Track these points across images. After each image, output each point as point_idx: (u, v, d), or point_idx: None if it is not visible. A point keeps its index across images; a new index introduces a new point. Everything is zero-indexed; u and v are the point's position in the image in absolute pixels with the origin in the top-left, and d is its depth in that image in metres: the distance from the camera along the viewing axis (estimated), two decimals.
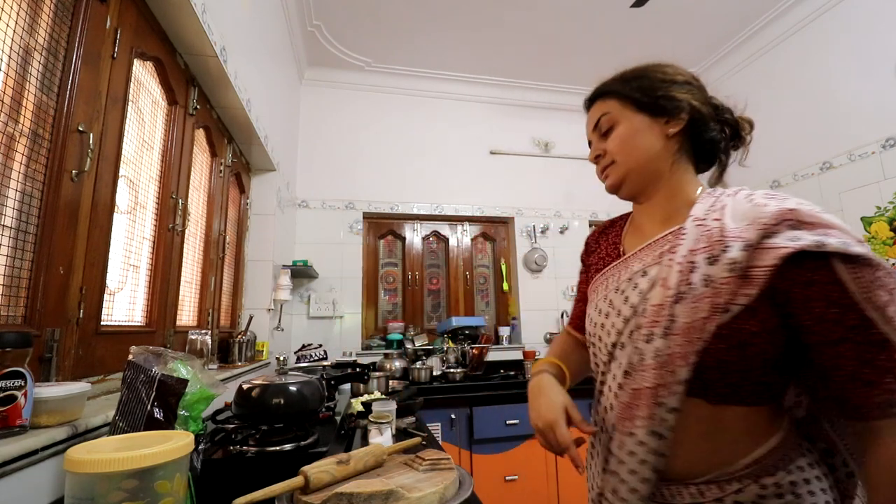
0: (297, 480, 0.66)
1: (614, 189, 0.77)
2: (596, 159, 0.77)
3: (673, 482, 0.61)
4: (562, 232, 3.62)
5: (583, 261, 0.90)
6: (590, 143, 0.79)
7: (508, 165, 3.64)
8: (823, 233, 0.52)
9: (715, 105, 0.74)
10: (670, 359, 0.58)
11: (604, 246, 0.82)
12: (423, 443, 1.08)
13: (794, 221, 0.54)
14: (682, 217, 0.67)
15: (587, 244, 0.89)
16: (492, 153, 3.64)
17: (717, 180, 0.74)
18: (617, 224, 0.85)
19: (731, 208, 0.61)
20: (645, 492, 0.60)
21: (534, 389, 0.75)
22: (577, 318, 0.89)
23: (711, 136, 0.71)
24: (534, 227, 3.55)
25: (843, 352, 0.51)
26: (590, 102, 0.79)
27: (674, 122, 0.69)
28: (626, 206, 0.84)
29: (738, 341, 0.56)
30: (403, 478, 0.71)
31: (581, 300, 0.89)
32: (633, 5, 2.48)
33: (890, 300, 0.49)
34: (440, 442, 1.97)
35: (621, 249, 0.78)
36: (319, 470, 0.68)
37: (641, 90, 0.71)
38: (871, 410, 0.51)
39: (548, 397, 0.70)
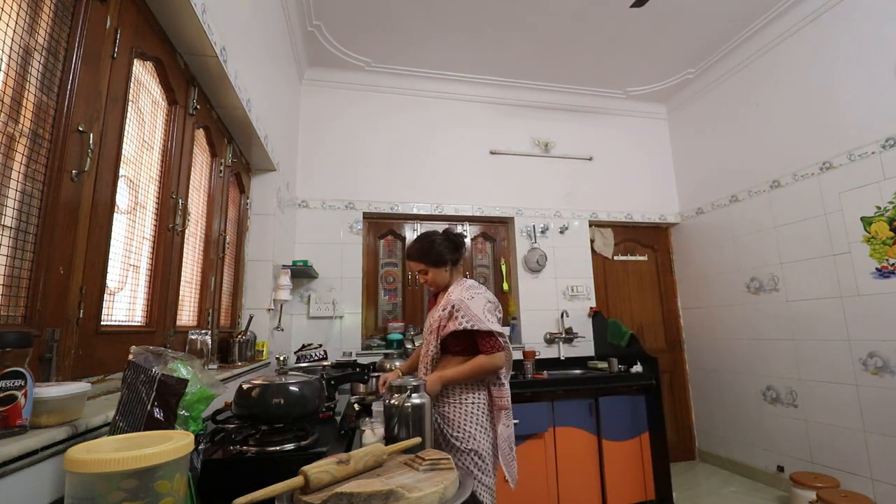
0: (297, 480, 0.66)
1: (433, 291, 1.84)
2: (424, 282, 1.77)
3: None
4: (562, 232, 3.62)
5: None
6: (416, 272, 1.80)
7: (508, 165, 3.64)
8: (465, 313, 1.59)
9: (455, 243, 1.75)
10: (428, 341, 1.69)
11: (433, 301, 1.86)
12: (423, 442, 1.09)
13: (464, 299, 1.62)
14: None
15: (430, 301, 1.92)
16: (492, 153, 3.64)
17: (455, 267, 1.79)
18: (437, 292, 1.83)
19: (455, 293, 1.66)
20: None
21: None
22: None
23: (457, 259, 1.77)
24: (534, 227, 3.55)
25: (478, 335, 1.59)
26: (410, 257, 1.76)
27: (446, 266, 1.73)
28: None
29: (453, 334, 1.60)
30: (403, 478, 0.71)
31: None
32: (633, 5, 2.48)
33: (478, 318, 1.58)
34: None
35: (435, 303, 1.82)
36: (319, 470, 0.68)
37: (432, 258, 1.71)
38: (484, 351, 1.58)
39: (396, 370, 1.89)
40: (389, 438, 1.15)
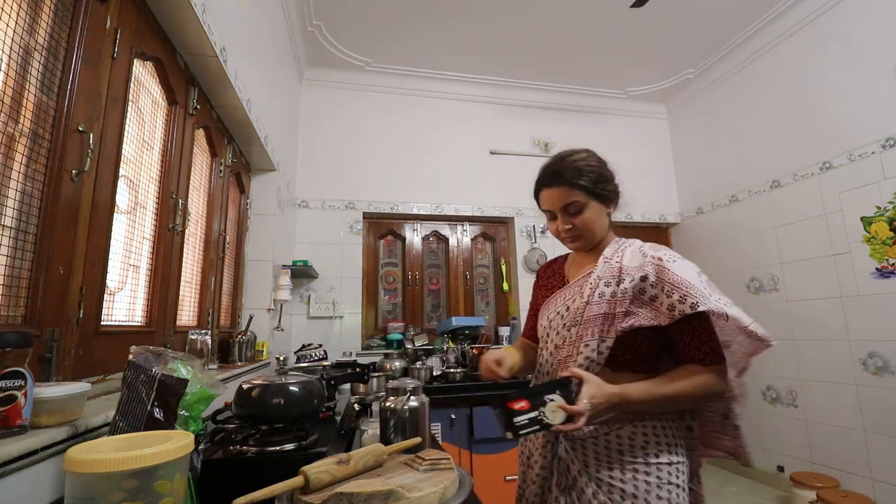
0: (297, 480, 0.65)
1: (577, 249, 1.08)
2: (569, 230, 1.02)
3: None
4: None
5: (536, 288, 1.21)
6: (548, 212, 1.06)
7: (508, 165, 3.64)
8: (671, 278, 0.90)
9: (615, 182, 1.06)
10: (578, 339, 0.94)
11: (549, 276, 1.17)
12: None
13: (658, 264, 0.92)
14: (594, 260, 1.02)
15: (539, 277, 1.23)
16: (492, 153, 3.64)
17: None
18: (558, 261, 1.21)
19: (628, 254, 0.97)
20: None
21: (490, 352, 1.07)
22: (530, 330, 1.21)
23: (618, 204, 1.07)
24: (534, 227, 3.55)
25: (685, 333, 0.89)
26: (554, 181, 1.01)
27: (612, 206, 1.05)
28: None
29: (632, 332, 0.90)
30: (403, 478, 0.71)
31: (533, 315, 1.19)
32: (633, 5, 2.48)
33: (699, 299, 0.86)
34: (440, 442, 1.96)
35: (566, 279, 1.11)
36: (319, 470, 0.68)
37: (599, 187, 1.00)
38: (703, 359, 0.87)
39: (495, 351, 1.07)
40: (384, 443, 1.14)
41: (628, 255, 0.96)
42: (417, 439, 0.94)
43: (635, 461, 0.88)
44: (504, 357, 1.03)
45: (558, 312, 1.02)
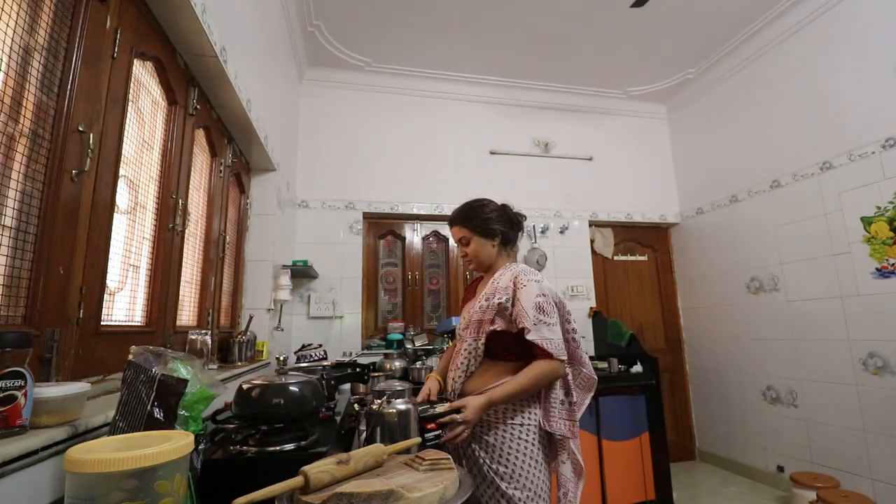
0: (296, 480, 0.65)
1: (473, 269, 1.47)
2: (464, 256, 1.42)
3: (468, 394, 1.26)
4: (562, 232, 3.62)
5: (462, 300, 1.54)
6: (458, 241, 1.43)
7: (508, 165, 3.64)
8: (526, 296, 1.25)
9: (510, 217, 1.42)
10: (465, 337, 1.32)
11: (469, 291, 1.51)
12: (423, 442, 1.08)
13: (520, 285, 1.27)
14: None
15: (466, 291, 1.55)
16: (492, 153, 3.64)
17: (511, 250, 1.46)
18: (475, 281, 1.52)
19: (504, 277, 1.31)
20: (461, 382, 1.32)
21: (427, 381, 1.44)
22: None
23: (510, 237, 1.43)
24: (534, 227, 3.55)
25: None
26: (453, 221, 1.42)
27: (496, 240, 1.39)
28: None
29: (498, 333, 1.26)
30: (403, 478, 0.71)
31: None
32: (633, 5, 2.48)
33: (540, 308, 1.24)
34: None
35: (476, 294, 1.42)
36: (319, 470, 0.68)
37: (481, 227, 1.38)
38: (539, 355, 1.21)
39: (429, 382, 1.42)
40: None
41: (505, 278, 1.30)
42: (417, 439, 0.94)
43: (497, 423, 1.23)
44: (429, 384, 1.40)
45: (464, 318, 1.39)
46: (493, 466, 1.20)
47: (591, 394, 1.36)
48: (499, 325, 1.25)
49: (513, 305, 1.25)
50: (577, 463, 1.27)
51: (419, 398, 1.31)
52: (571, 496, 1.25)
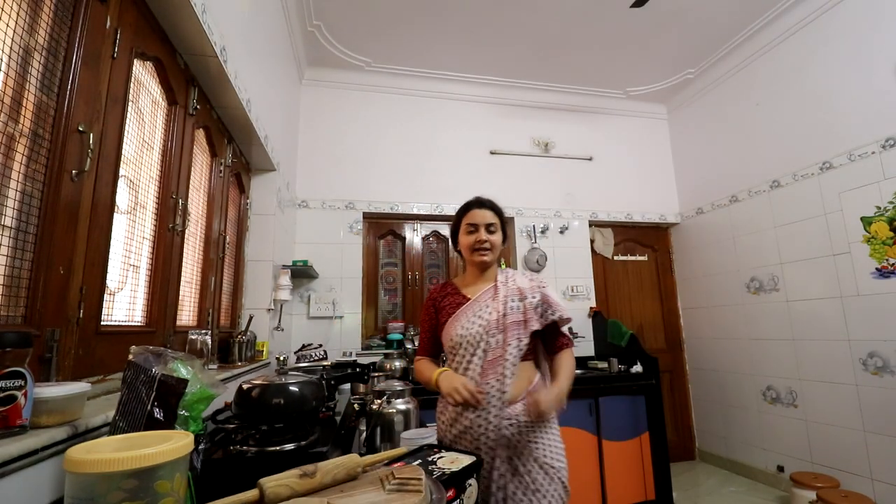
0: (251, 493, 0.61)
1: (481, 260, 1.37)
2: (482, 243, 1.37)
3: (515, 398, 1.25)
4: (562, 232, 3.62)
5: (436, 309, 1.42)
6: (476, 227, 1.38)
7: (508, 165, 3.64)
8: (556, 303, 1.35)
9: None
10: (504, 343, 1.26)
11: (450, 295, 1.41)
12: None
13: (542, 285, 1.37)
14: (490, 282, 1.39)
15: (435, 299, 1.43)
16: (492, 153, 3.64)
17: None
18: (447, 286, 1.45)
19: (518, 279, 1.38)
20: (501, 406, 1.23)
21: (448, 376, 1.24)
22: (433, 346, 1.43)
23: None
24: (534, 227, 3.55)
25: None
26: (485, 205, 1.40)
27: (506, 239, 1.43)
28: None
29: (534, 333, 1.31)
30: (365, 497, 0.64)
31: (430, 333, 1.42)
32: (633, 5, 2.48)
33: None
34: None
35: (467, 297, 1.37)
36: (278, 483, 0.63)
37: (503, 222, 1.42)
38: (568, 343, 1.36)
39: (460, 378, 1.22)
40: (371, 450, 1.10)
41: (520, 280, 1.37)
42: (402, 449, 0.89)
43: (546, 428, 1.27)
44: (466, 381, 1.21)
45: (473, 322, 1.31)
46: (553, 461, 1.23)
47: None
48: (538, 325, 1.30)
49: (545, 304, 1.33)
50: None
51: (460, 396, 1.15)
52: None
